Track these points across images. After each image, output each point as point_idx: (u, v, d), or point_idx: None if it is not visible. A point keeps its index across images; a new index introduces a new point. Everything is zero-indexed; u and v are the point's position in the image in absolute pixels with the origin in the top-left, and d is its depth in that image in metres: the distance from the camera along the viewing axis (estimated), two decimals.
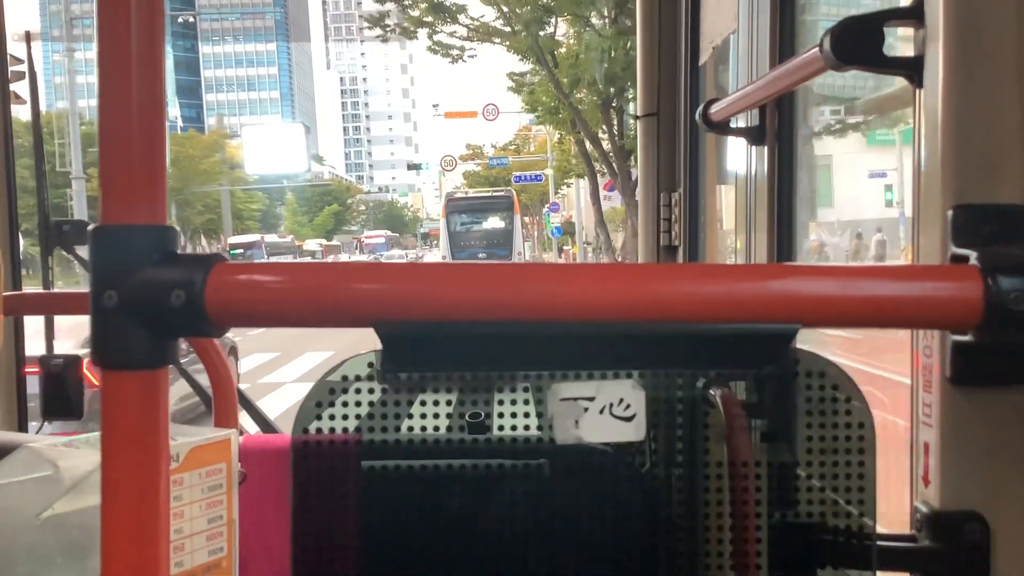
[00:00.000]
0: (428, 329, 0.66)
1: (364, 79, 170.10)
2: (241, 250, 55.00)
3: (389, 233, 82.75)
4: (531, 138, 60.46)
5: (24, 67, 2.66)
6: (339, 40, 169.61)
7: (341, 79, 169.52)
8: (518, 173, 48.55)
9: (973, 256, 0.85)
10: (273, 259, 58.11)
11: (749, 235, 1.85)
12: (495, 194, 32.47)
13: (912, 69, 1.04)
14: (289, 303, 0.65)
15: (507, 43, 17.60)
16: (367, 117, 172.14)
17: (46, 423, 2.06)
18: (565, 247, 50.13)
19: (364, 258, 61.54)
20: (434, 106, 46.39)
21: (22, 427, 2.38)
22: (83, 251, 2.30)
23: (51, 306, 2.10)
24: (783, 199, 1.71)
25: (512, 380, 0.82)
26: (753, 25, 1.84)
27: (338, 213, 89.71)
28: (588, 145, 17.87)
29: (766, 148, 1.75)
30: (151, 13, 0.60)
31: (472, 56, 18.50)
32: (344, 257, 64.25)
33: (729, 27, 2.05)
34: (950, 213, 0.96)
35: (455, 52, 18.42)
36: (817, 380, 0.87)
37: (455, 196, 32.29)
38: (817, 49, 1.14)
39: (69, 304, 1.79)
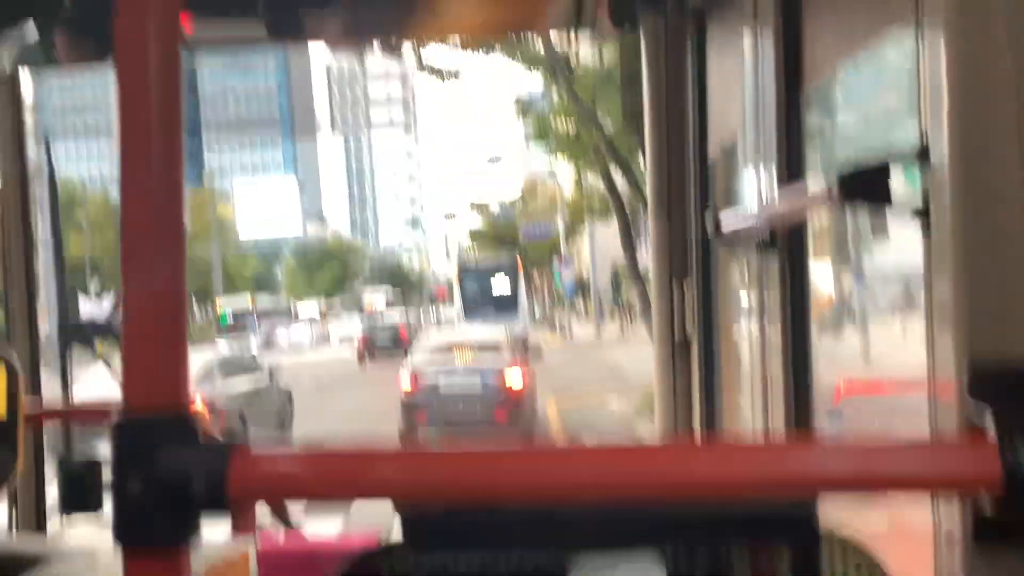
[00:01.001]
0: (446, 511, 0.68)
1: (369, 139, 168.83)
2: (230, 314, 51.61)
3: (391, 294, 79.52)
4: (539, 191, 57.31)
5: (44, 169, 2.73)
6: (344, 101, 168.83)
7: (346, 139, 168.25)
8: (526, 228, 45.22)
9: (989, 418, 0.84)
10: (265, 324, 55.07)
11: (765, 343, 1.81)
12: (501, 261, 35.21)
13: (920, 213, 1.05)
14: (309, 487, 0.67)
15: (515, 52, 14.09)
16: (372, 177, 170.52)
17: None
18: (579, 306, 46.53)
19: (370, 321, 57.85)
20: (405, 103, 43.01)
21: (40, 525, 2.50)
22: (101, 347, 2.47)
23: (72, 416, 2.14)
24: (796, 315, 1.68)
25: (533, 560, 0.80)
26: (760, 133, 1.83)
27: (339, 273, 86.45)
28: (616, 176, 14.13)
29: (776, 263, 1.73)
30: (173, 223, 0.64)
31: (459, 74, 15.06)
32: (345, 320, 60.75)
33: (735, 132, 2.12)
34: (965, 366, 0.94)
35: (448, 71, 14.93)
36: (839, 554, 0.87)
37: (466, 262, 35.98)
38: (826, 186, 1.15)
39: (88, 414, 1.90)
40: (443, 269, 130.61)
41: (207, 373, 14.12)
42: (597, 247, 39.91)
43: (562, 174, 45.64)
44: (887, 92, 1.64)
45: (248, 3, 2.36)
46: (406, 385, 14.56)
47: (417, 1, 2.71)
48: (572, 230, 46.00)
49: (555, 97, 16.99)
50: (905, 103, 1.36)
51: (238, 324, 50.11)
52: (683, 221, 2.52)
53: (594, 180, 25.45)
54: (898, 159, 1.10)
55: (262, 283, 73.24)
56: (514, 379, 14.57)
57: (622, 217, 14.49)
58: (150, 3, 0.65)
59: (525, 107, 21.23)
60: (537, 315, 59.87)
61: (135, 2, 0.65)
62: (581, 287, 50.27)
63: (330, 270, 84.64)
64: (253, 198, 50.14)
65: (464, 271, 33.92)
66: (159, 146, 0.67)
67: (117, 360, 0.65)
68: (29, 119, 2.69)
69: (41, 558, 1.63)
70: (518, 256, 36.70)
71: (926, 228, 1.05)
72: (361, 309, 69.58)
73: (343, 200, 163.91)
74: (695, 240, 2.46)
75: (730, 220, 1.86)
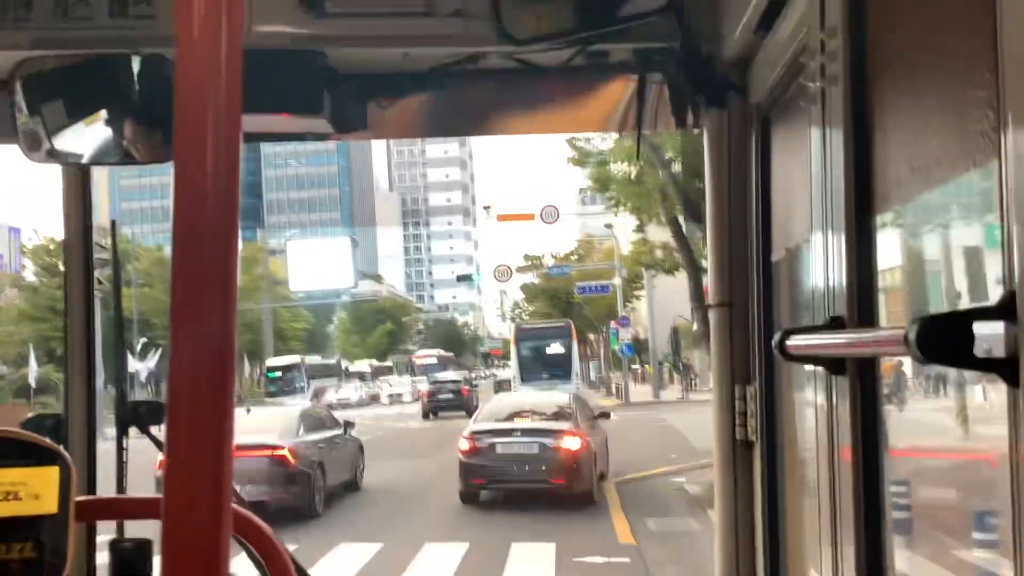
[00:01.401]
0: None
1: (425, 199, 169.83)
2: (279, 372, 50.66)
3: (443, 353, 78.09)
4: (595, 247, 55.69)
5: (108, 254, 2.75)
6: (402, 163, 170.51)
7: (403, 200, 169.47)
8: (581, 284, 43.56)
9: None
10: (315, 383, 54.04)
11: (834, 463, 1.76)
12: (556, 324, 37.93)
13: (1006, 369, 1.00)
14: None
15: None
16: (428, 237, 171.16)
17: None
18: (635, 366, 44.45)
19: (418, 380, 56.51)
20: (485, 208, 42.01)
21: None
22: (156, 431, 2.35)
23: (124, 511, 2.05)
24: (868, 438, 1.64)
25: None
26: (828, 241, 1.78)
27: (392, 332, 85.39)
28: (683, 226, 12.37)
29: (847, 380, 1.68)
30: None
31: None
32: (395, 379, 59.43)
33: (803, 235, 2.06)
34: None
35: None
36: None
37: (523, 327, 39.42)
38: (902, 335, 1.09)
39: (142, 510, 1.82)
40: (497, 328, 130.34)
41: (291, 426, 15.77)
42: (656, 304, 38.06)
43: (620, 227, 44.10)
44: (966, 223, 1.51)
45: (312, 101, 2.44)
46: (464, 445, 15.09)
47: (481, 101, 2.76)
48: (630, 287, 44.21)
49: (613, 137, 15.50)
50: (987, 238, 1.29)
51: (286, 381, 48.99)
52: (745, 321, 2.48)
53: (657, 230, 23.68)
54: (982, 311, 1.02)
55: (314, 342, 72.40)
56: (572, 443, 14.78)
57: (691, 267, 12.80)
58: (210, 101, 0.64)
59: (582, 154, 19.73)
60: (592, 377, 58.12)
61: (194, 101, 0.64)
62: (638, 347, 48.26)
63: (383, 329, 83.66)
64: (306, 256, 49.19)
65: (521, 337, 36.74)
66: (213, 253, 0.64)
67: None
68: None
69: None
70: (571, 322, 38.90)
71: (1013, 381, 0.98)
72: (412, 370, 68.38)
73: (399, 261, 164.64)
74: (758, 345, 2.42)
75: (797, 343, 1.75)
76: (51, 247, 46.47)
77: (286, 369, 48.27)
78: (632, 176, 14.55)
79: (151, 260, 48.28)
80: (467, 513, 15.01)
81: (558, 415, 16.03)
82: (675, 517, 12.58)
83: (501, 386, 46.72)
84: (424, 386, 40.21)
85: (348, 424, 18.34)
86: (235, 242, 0.65)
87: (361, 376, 63.87)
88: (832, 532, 1.81)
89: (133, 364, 36.11)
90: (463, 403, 35.00)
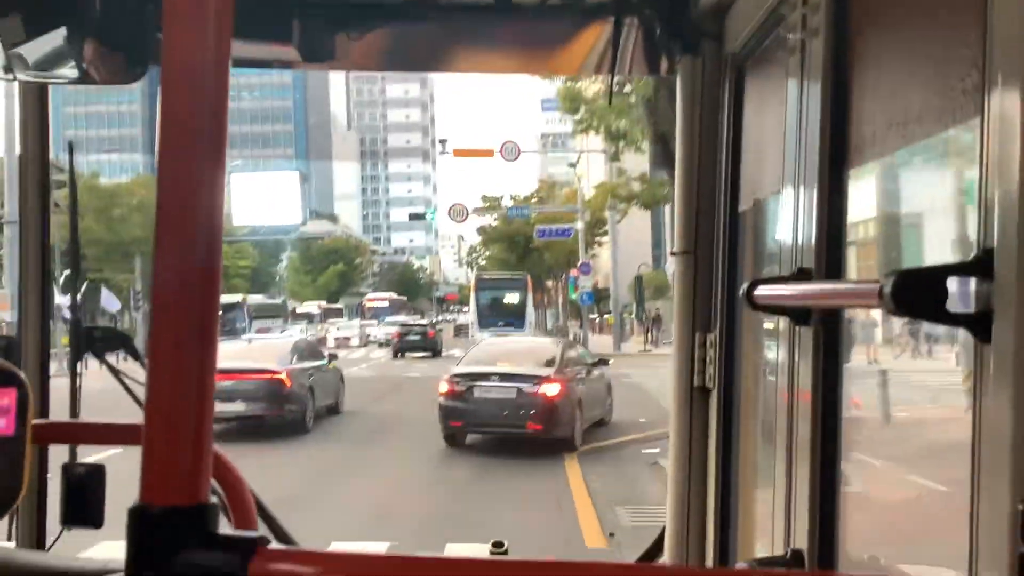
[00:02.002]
0: None
1: (384, 140, 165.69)
2: (220, 312, 47.48)
3: (395, 296, 75.47)
4: (556, 191, 53.12)
5: (65, 176, 2.70)
6: (361, 102, 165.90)
7: (361, 140, 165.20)
8: (541, 227, 41.05)
9: None
10: (257, 323, 51.27)
11: (793, 409, 1.78)
12: (513, 276, 40.86)
13: (978, 325, 1.01)
14: None
15: None
16: (386, 179, 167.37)
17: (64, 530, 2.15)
18: (592, 316, 42.31)
19: (368, 324, 54.07)
20: (441, 142, 39.05)
21: (41, 542, 2.50)
22: (112, 358, 2.39)
23: (80, 435, 2.07)
24: (828, 388, 1.64)
25: None
26: (799, 193, 1.77)
27: (344, 273, 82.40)
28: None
29: (811, 331, 1.68)
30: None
31: None
32: (343, 322, 56.73)
33: (773, 187, 2.04)
34: (1020, 507, 0.91)
35: None
36: None
37: (483, 277, 41.98)
38: (876, 289, 1.09)
39: (98, 433, 1.81)
40: (454, 273, 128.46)
41: (285, 354, 17.97)
42: (620, 250, 35.82)
43: (585, 167, 41.72)
44: (945, 177, 1.52)
45: (283, 29, 2.41)
46: (443, 387, 15.09)
47: (453, 37, 2.74)
48: (592, 233, 41.86)
49: None
50: (964, 195, 1.30)
51: (225, 322, 46.13)
52: (709, 270, 2.48)
53: (635, 160, 21.21)
54: (957, 267, 1.04)
55: (259, 281, 69.18)
56: (550, 389, 14.72)
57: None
58: (199, 25, 0.63)
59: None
60: (549, 326, 56.17)
61: (183, 21, 0.63)
62: (598, 295, 46.17)
63: (334, 270, 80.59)
64: (251, 189, 45.73)
65: (480, 287, 39.55)
66: (201, 182, 0.63)
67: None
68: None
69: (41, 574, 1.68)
70: (527, 275, 41.20)
71: (984, 337, 0.99)
72: (362, 314, 65.81)
73: (356, 202, 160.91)
74: (721, 294, 2.41)
75: (765, 292, 1.71)
76: None
77: (226, 308, 45.26)
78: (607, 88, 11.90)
79: (82, 188, 44.73)
80: (428, 440, 15.26)
81: (541, 362, 15.75)
82: (652, 504, 10.27)
83: (460, 330, 50.99)
84: (393, 329, 44.01)
85: (332, 356, 21.06)
86: (222, 169, 0.63)
87: (309, 318, 61.09)
88: (787, 480, 1.79)
89: (58, 298, 33.46)
90: (428, 344, 39.02)
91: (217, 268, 0.64)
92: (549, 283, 55.26)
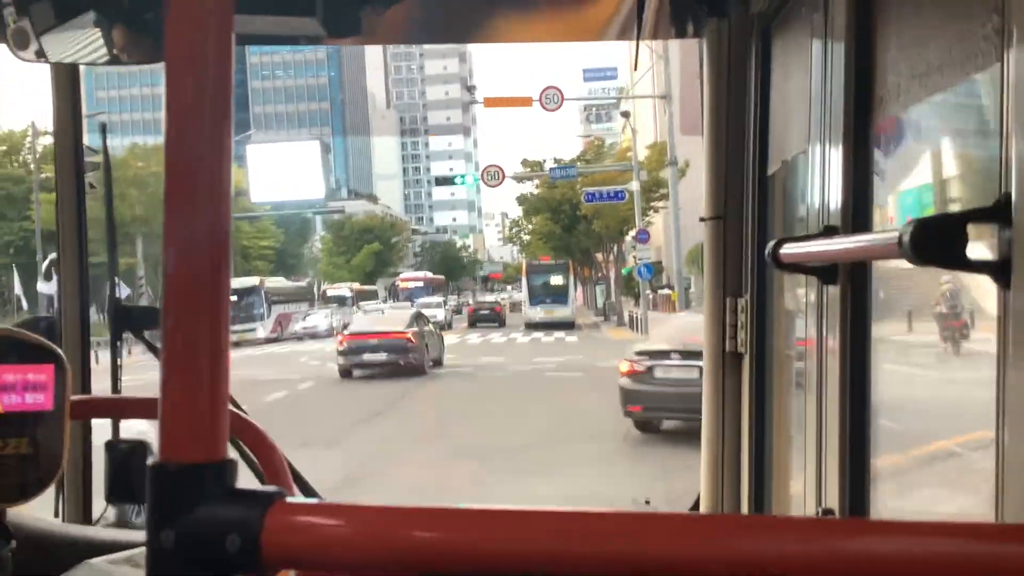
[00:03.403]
0: None
1: (424, 118, 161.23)
2: (235, 297, 43.50)
3: (431, 275, 70.71)
4: (604, 151, 47.56)
5: (99, 158, 2.72)
6: (400, 79, 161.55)
7: (401, 119, 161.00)
8: (590, 190, 35.69)
9: None
10: (278, 308, 46.93)
11: (822, 369, 1.76)
12: (558, 262, 46.22)
13: (998, 271, 1.01)
14: (349, 547, 0.64)
15: None
16: (427, 157, 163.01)
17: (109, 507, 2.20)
18: (645, 292, 36.83)
19: (400, 306, 49.76)
20: (468, 89, 34.19)
21: (87, 516, 2.57)
22: (151, 335, 2.38)
23: (119, 410, 2.10)
24: (857, 347, 1.62)
25: None
26: (825, 152, 1.76)
27: (380, 253, 77.63)
28: None
29: (838, 288, 1.66)
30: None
31: None
32: (371, 304, 52.13)
33: (799, 147, 2.03)
34: None
35: None
36: None
37: (532, 263, 47.48)
38: (895, 239, 1.10)
39: (137, 409, 1.83)
40: (498, 252, 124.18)
41: (409, 320, 25.00)
42: (682, 214, 30.39)
43: (636, 119, 36.27)
44: (966, 126, 1.48)
45: (305, 2, 2.33)
46: (624, 367, 13.76)
47: (478, 6, 2.70)
48: (648, 195, 36.43)
49: None
50: (985, 143, 1.29)
51: (241, 308, 41.45)
52: (739, 235, 2.47)
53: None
54: (975, 213, 1.03)
55: (284, 263, 64.70)
56: None
57: None
58: (202, 1, 0.64)
59: None
60: (600, 304, 51.42)
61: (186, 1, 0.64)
62: (655, 270, 40.80)
63: (368, 249, 75.88)
64: (269, 162, 40.52)
65: (530, 271, 45.64)
66: (208, 153, 0.63)
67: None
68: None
69: (88, 548, 1.73)
70: (570, 260, 46.77)
71: (1004, 283, 0.99)
72: (396, 295, 61.27)
73: (397, 182, 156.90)
74: (751, 257, 2.41)
75: (791, 251, 1.73)
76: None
77: (241, 294, 40.60)
78: None
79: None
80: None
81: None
82: None
83: (515, 307, 55.64)
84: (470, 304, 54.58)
85: (439, 325, 30.69)
86: (228, 141, 0.64)
87: (340, 301, 56.58)
88: (817, 440, 1.78)
89: (41, 286, 29.36)
90: (495, 316, 48.80)
91: (227, 233, 0.64)
92: (599, 256, 49.89)
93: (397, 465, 11.94)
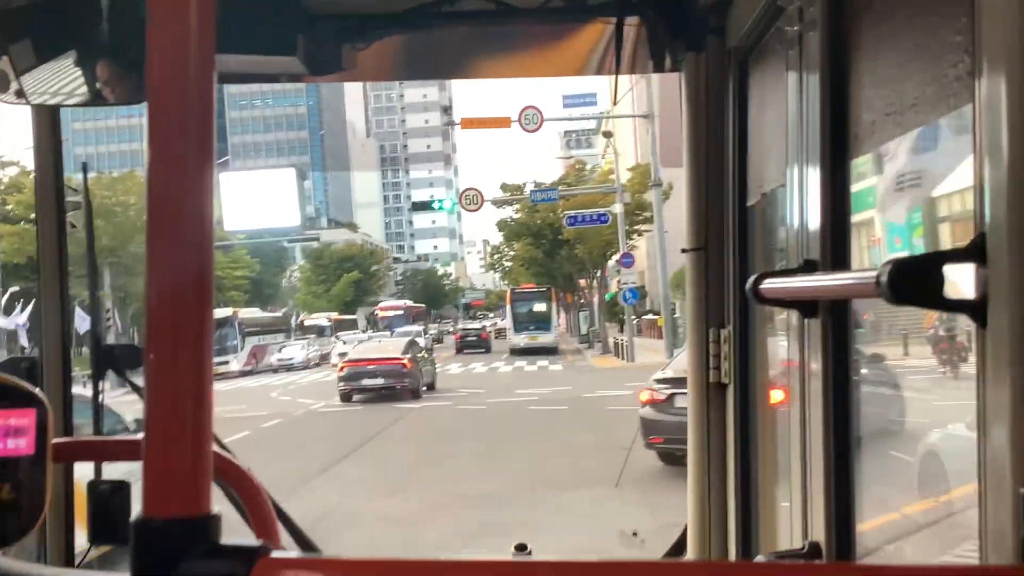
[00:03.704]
0: None
1: (404, 146, 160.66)
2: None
3: (410, 303, 69.36)
4: (586, 174, 46.65)
5: (80, 197, 2.72)
6: (380, 108, 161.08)
7: (381, 147, 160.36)
8: (572, 213, 34.67)
9: None
10: (252, 339, 45.55)
11: (806, 399, 1.79)
12: (540, 290, 47.15)
13: (975, 310, 1.02)
14: None
15: None
16: (408, 185, 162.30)
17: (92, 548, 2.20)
18: (631, 318, 35.80)
19: (379, 336, 48.67)
20: (444, 109, 33.24)
21: (70, 559, 2.56)
22: (134, 375, 2.35)
23: (102, 453, 2.07)
24: (838, 380, 1.64)
25: None
26: (803, 186, 1.79)
27: (360, 282, 76.36)
28: None
29: (819, 323, 1.69)
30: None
31: None
32: (348, 335, 50.74)
33: (778, 180, 2.05)
34: (1022, 492, 0.92)
35: None
36: None
37: (516, 291, 47.98)
38: (874, 278, 1.11)
39: (120, 451, 1.81)
40: (480, 279, 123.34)
41: (404, 348, 26.58)
42: (667, 238, 29.40)
43: (617, 139, 35.40)
44: (940, 164, 1.55)
45: (286, 42, 2.39)
46: (643, 396, 13.03)
47: (457, 44, 2.73)
48: (631, 218, 35.46)
49: None
50: (960, 181, 1.32)
51: (215, 340, 40.04)
52: (720, 266, 2.48)
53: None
54: (952, 253, 1.05)
55: (260, 293, 63.21)
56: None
57: None
58: (182, 42, 0.64)
59: None
60: (583, 330, 50.48)
61: (167, 40, 0.64)
62: (642, 293, 39.75)
63: (347, 278, 74.54)
64: (243, 190, 39.13)
65: (514, 299, 46.63)
66: (190, 192, 0.63)
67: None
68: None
69: None
70: (552, 287, 47.99)
71: (981, 321, 1.01)
72: (375, 324, 60.01)
73: (378, 210, 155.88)
74: (733, 287, 2.40)
75: (771, 286, 1.75)
76: None
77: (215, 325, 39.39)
78: None
79: (32, 188, 39.02)
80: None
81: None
82: None
83: (499, 333, 56.90)
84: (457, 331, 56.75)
85: (429, 350, 31.82)
86: (210, 180, 0.64)
87: (319, 331, 55.22)
88: (802, 473, 1.79)
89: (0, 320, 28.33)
90: (482, 343, 50.55)
91: (209, 276, 0.64)
92: (582, 282, 48.87)
93: (353, 527, 10.63)
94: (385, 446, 17.41)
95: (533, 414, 20.02)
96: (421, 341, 40.97)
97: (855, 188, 1.69)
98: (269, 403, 25.47)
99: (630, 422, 13.18)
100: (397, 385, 24.70)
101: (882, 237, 1.84)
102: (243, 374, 40.04)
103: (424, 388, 26.19)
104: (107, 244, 36.84)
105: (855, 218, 1.72)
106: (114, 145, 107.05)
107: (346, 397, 24.86)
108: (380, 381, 24.63)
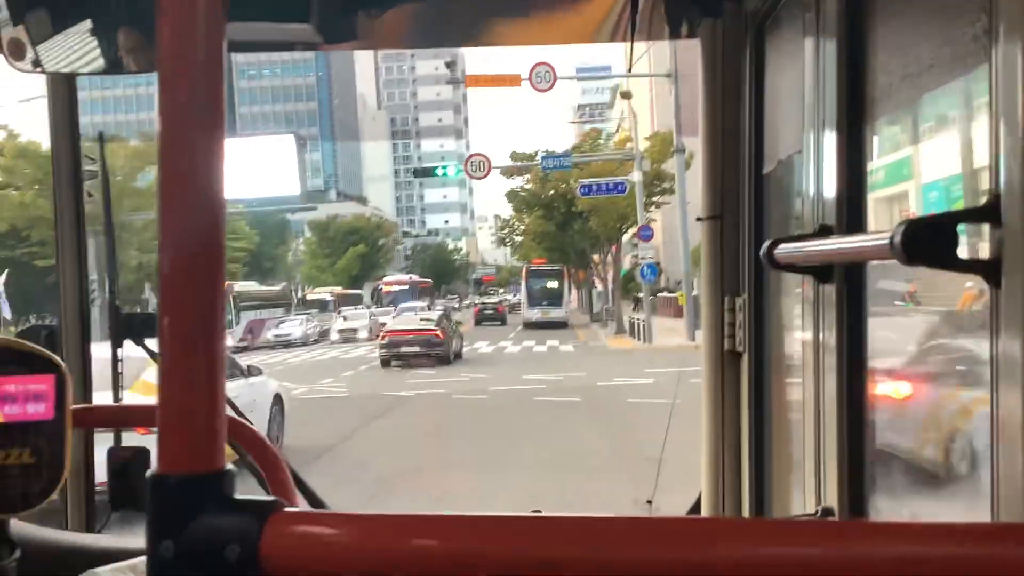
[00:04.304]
0: None
1: (415, 119, 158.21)
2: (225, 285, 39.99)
3: (416, 278, 67.23)
4: (601, 142, 44.19)
5: (97, 166, 2.75)
6: (391, 80, 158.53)
7: (392, 120, 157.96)
8: (586, 182, 32.32)
9: None
10: (249, 314, 43.59)
11: (819, 368, 1.78)
12: (553, 267, 48.95)
13: (988, 270, 1.03)
14: (349, 556, 0.64)
15: None
16: (419, 159, 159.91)
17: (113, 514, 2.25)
18: (641, 295, 33.50)
19: (381, 312, 46.43)
20: (448, 65, 31.94)
21: (90, 525, 2.64)
22: (151, 343, 2.37)
23: (121, 419, 2.13)
24: (853, 345, 1.65)
25: None
26: (819, 151, 1.80)
27: (366, 256, 74.19)
28: None
29: (834, 288, 1.70)
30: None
31: None
32: (350, 311, 48.66)
33: (794, 146, 2.07)
34: None
35: None
36: None
37: (530, 269, 49.62)
38: (887, 239, 1.11)
39: (139, 416, 1.83)
40: (492, 255, 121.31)
41: (437, 319, 30.40)
42: (688, 208, 27.07)
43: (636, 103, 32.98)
44: (956, 127, 1.54)
45: (298, 8, 2.40)
46: None
47: (471, 10, 2.75)
48: (650, 188, 33.13)
49: None
50: (976, 143, 1.33)
51: None
52: (736, 234, 2.50)
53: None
54: (966, 213, 1.07)
55: (260, 266, 61.09)
56: None
57: None
58: (192, 9, 0.64)
59: None
60: (596, 308, 48.39)
61: (177, 8, 0.65)
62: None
63: (353, 252, 72.37)
64: (241, 157, 36.89)
65: (529, 276, 48.70)
66: (201, 162, 0.64)
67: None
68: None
69: (92, 557, 1.75)
70: (565, 266, 49.17)
71: (995, 282, 1.01)
72: (379, 299, 57.99)
73: (388, 183, 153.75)
74: (748, 255, 2.43)
75: (785, 251, 1.76)
76: None
77: None
78: None
79: (13, 152, 36.77)
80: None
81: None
82: None
83: (514, 308, 58.03)
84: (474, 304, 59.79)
85: (458, 323, 36.00)
86: (221, 148, 0.64)
87: (321, 305, 53.19)
88: (816, 438, 1.80)
89: None
90: (500, 316, 53.46)
91: (221, 243, 0.64)
92: (596, 257, 46.56)
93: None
94: (367, 443, 15.29)
95: (540, 406, 17.87)
96: (453, 316, 40.72)
97: (888, 160, 1.66)
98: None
99: (656, 420, 10.99)
100: (430, 352, 27.92)
101: (916, 213, 1.74)
102: (238, 350, 38.04)
103: (453, 356, 29.17)
104: (89, 210, 34.82)
105: (891, 190, 1.71)
106: (99, 116, 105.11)
107: (385, 363, 28.09)
108: (416, 349, 28.07)
